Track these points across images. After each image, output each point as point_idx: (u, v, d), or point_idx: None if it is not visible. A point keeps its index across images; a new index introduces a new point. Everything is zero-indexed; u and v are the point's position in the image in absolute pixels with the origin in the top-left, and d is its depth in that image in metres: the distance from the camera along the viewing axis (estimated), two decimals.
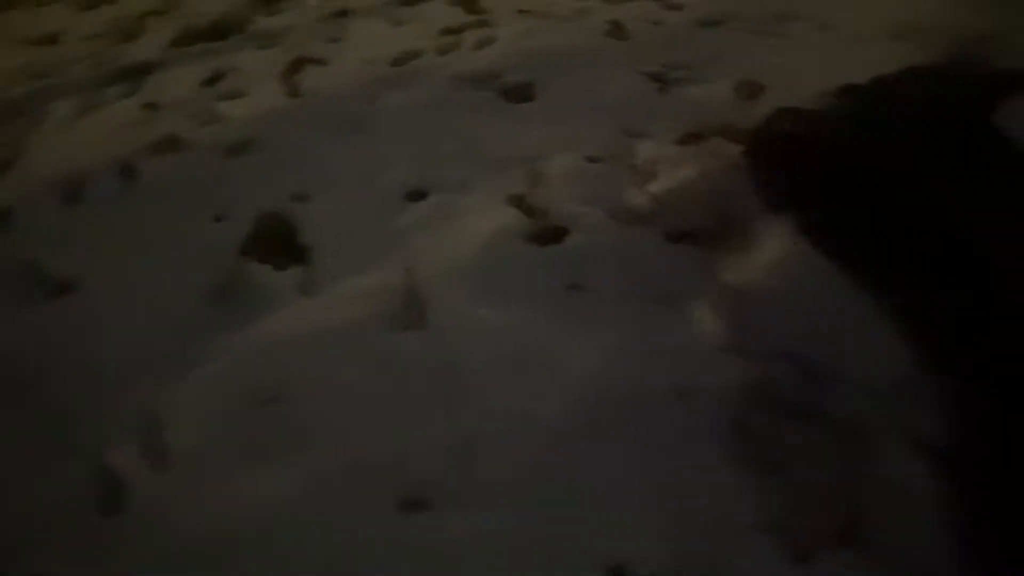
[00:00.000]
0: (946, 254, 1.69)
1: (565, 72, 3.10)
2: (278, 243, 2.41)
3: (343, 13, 3.82)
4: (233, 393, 1.96)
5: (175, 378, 2.00)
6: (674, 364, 1.98)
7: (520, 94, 3.03)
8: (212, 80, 3.34)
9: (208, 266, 2.32)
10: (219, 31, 3.78)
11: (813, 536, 1.63)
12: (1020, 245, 1.56)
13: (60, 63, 3.65)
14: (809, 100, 2.50)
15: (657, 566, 1.62)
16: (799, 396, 1.86)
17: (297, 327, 2.12)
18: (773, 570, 1.61)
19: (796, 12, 3.36)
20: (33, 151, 3.01)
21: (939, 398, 1.72)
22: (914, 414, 1.75)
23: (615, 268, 2.25)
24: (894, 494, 1.67)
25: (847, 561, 1.60)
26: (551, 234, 2.38)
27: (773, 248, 2.14)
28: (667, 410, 1.89)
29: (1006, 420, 1.53)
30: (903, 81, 2.11)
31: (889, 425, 1.77)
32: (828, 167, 2.02)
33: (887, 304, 1.87)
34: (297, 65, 3.36)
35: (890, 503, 1.66)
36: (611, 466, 1.78)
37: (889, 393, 1.81)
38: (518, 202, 2.49)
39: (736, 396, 1.88)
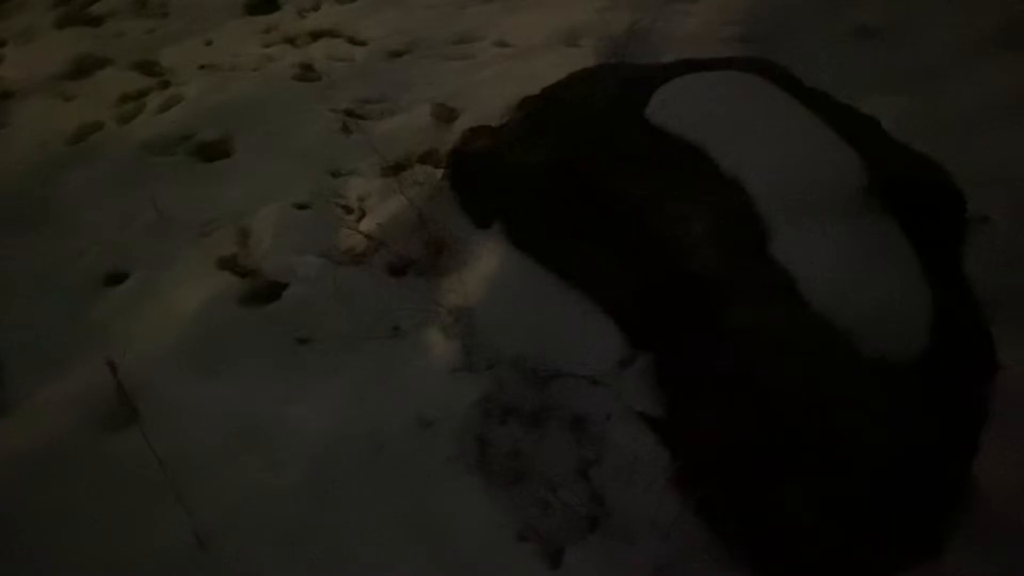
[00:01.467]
0: (626, 241, 1.83)
1: (260, 122, 3.02)
2: None
3: (5, 95, 3.46)
4: None
5: None
6: (413, 396, 1.99)
7: (215, 151, 2.91)
8: None
9: None
10: None
11: (562, 529, 1.70)
12: (686, 222, 1.71)
13: None
14: (498, 116, 2.62)
15: None
16: (531, 400, 1.93)
17: None
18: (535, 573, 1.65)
19: (476, 33, 3.51)
20: None
21: (649, 374, 1.86)
22: (631, 392, 1.88)
23: (340, 313, 2.22)
24: (626, 468, 1.78)
25: (598, 544, 1.68)
26: (269, 291, 2.30)
27: (485, 262, 2.21)
28: (412, 441, 1.89)
29: (704, 381, 1.67)
30: (568, 87, 2.25)
31: (612, 407, 1.88)
32: (515, 177, 2.11)
33: (591, 294, 1.99)
34: None
35: (624, 477, 1.77)
36: (364, 511, 1.76)
37: (608, 378, 1.92)
38: (228, 264, 2.39)
39: (473, 413, 1.91)
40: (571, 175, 1.94)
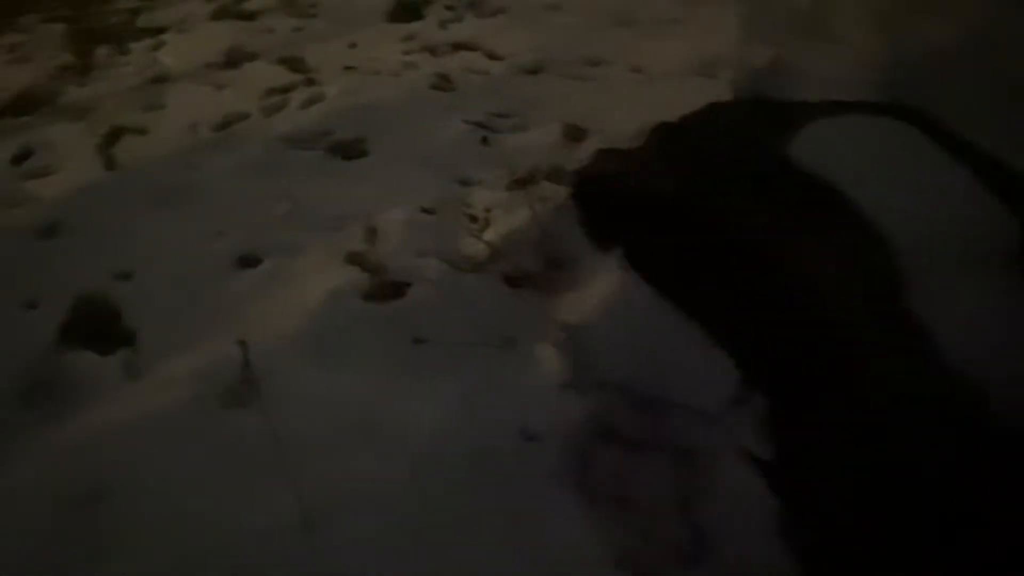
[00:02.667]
0: (754, 277, 1.80)
1: (395, 126, 3.12)
2: (100, 327, 2.27)
3: (161, 79, 3.69)
4: (52, 495, 1.80)
5: None
6: (520, 408, 2.00)
7: (351, 151, 3.02)
8: (19, 158, 3.13)
9: (20, 359, 2.14)
10: (25, 105, 3.56)
11: (660, 562, 1.68)
12: (820, 265, 1.67)
13: None
14: (627, 140, 2.63)
15: None
16: (637, 426, 1.92)
17: (121, 416, 1.99)
18: None
19: (609, 56, 3.53)
20: None
21: (762, 414, 1.82)
22: (742, 431, 1.84)
23: (457, 318, 2.26)
24: (732, 509, 1.75)
25: None
26: (391, 290, 2.36)
27: (603, 284, 2.21)
28: (515, 454, 1.90)
29: (820, 430, 1.63)
30: (707, 117, 2.25)
31: (722, 443, 1.85)
32: (644, 202, 2.11)
33: (709, 328, 1.97)
34: (113, 136, 3.21)
35: (729, 518, 1.74)
36: (462, 519, 1.77)
37: (718, 414, 1.89)
38: (356, 260, 2.47)
39: (578, 433, 1.91)
40: (702, 206, 1.93)
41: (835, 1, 3.66)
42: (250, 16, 4.30)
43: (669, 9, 4.00)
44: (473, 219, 2.61)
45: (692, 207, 1.94)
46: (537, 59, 3.52)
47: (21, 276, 2.46)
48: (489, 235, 2.50)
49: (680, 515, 1.77)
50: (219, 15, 4.36)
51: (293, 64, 3.69)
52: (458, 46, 3.72)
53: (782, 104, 2.38)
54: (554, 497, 1.83)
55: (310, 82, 3.54)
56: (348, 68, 3.62)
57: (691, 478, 1.85)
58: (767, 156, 1.90)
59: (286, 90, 3.48)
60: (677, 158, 2.12)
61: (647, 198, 2.08)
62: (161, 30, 4.24)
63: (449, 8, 4.13)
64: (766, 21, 3.71)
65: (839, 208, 1.76)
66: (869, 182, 1.79)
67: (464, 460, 1.88)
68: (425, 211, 2.66)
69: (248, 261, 2.48)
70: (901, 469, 1.46)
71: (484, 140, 2.96)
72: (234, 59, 3.79)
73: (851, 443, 1.53)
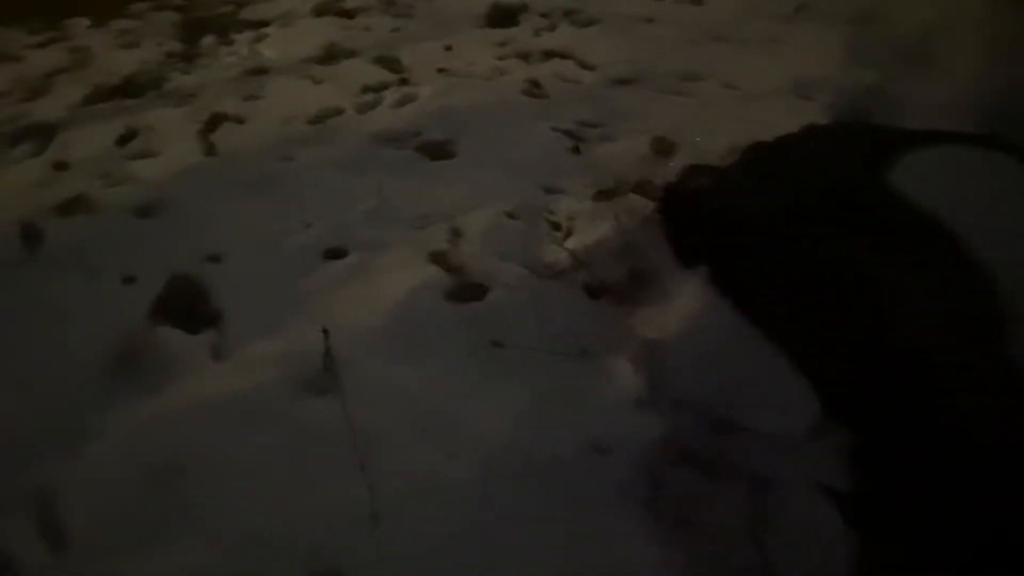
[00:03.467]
0: (846, 307, 1.75)
1: (484, 130, 3.14)
2: (189, 306, 2.35)
3: (262, 71, 3.81)
4: (135, 465, 1.87)
5: (73, 453, 1.90)
6: (591, 419, 1.99)
7: (439, 151, 3.05)
8: (124, 139, 3.27)
9: (114, 331, 2.22)
10: (132, 88, 3.72)
11: None
12: (915, 298, 1.62)
13: None
14: (718, 157, 2.59)
15: None
16: (711, 449, 1.89)
17: (204, 394, 2.05)
18: None
19: (703, 71, 3.49)
20: None
21: (842, 446, 1.77)
22: (821, 463, 1.79)
23: (534, 324, 2.26)
24: (801, 540, 1.70)
25: None
26: (471, 291, 2.38)
27: (686, 302, 2.18)
28: (583, 465, 1.89)
29: (902, 467, 1.57)
30: (804, 139, 2.20)
31: (797, 474, 1.80)
32: (735, 222, 2.08)
33: (792, 355, 1.92)
34: (213, 123, 3.33)
35: (798, 548, 1.69)
36: (526, 524, 1.76)
37: (797, 443, 1.85)
38: (438, 259, 2.49)
39: (651, 450, 1.89)
40: (796, 230, 1.89)
41: (939, 28, 3.56)
42: (350, 14, 4.40)
43: (768, 27, 3.95)
44: (556, 226, 2.61)
45: (786, 231, 1.89)
46: (630, 70, 3.50)
47: (120, 251, 2.56)
48: (571, 243, 2.49)
49: (750, 544, 1.73)
50: (320, 11, 4.48)
51: (388, 63, 3.76)
52: (551, 54, 3.74)
53: (881, 130, 2.31)
54: (621, 513, 1.81)
55: (404, 82, 3.60)
56: (441, 70, 3.67)
57: (763, 506, 1.80)
58: (865, 184, 1.84)
59: (380, 89, 3.54)
60: (772, 180, 2.07)
61: (739, 218, 2.04)
62: (264, 23, 4.38)
63: (544, 16, 4.15)
64: (867, 45, 3.63)
65: (938, 241, 1.70)
66: (970, 215, 1.72)
67: (532, 466, 1.88)
68: (509, 215, 2.67)
69: (334, 253, 2.53)
70: (989, 509, 1.40)
71: (576, 149, 2.97)
72: (332, 55, 3.89)
73: (940, 481, 1.47)
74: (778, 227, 1.93)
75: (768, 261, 1.96)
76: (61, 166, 3.11)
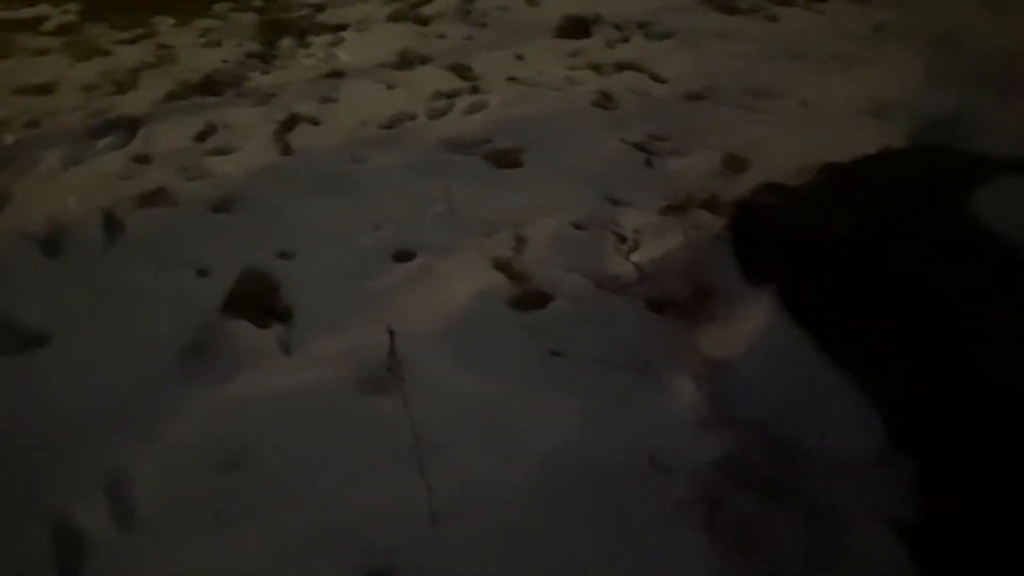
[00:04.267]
0: (920, 335, 1.71)
1: (553, 140, 3.16)
2: (260, 300, 2.41)
3: (338, 74, 3.89)
4: (201, 453, 1.92)
5: (144, 436, 1.96)
6: (650, 435, 1.97)
7: (508, 160, 3.08)
8: (203, 135, 3.38)
9: (188, 321, 2.29)
10: (213, 86, 3.84)
11: None
12: (994, 329, 1.57)
13: (52, 113, 3.68)
14: (791, 176, 2.56)
15: None
16: (773, 472, 1.86)
17: (271, 386, 2.10)
18: None
19: (777, 88, 3.45)
20: (18, 200, 3.01)
21: (909, 477, 1.72)
22: (885, 492, 1.75)
23: (596, 336, 2.26)
24: (865, 571, 1.66)
25: None
26: (534, 299, 2.39)
27: (753, 321, 2.15)
28: (641, 481, 1.87)
29: (973, 500, 1.52)
30: (881, 161, 2.15)
31: (860, 502, 1.76)
32: (807, 243, 2.05)
33: (862, 381, 1.88)
34: (289, 123, 3.41)
35: None
36: (580, 536, 1.76)
37: (861, 470, 1.81)
38: (503, 266, 2.51)
39: (710, 470, 1.87)
40: (872, 253, 1.85)
41: (1019, 54, 3.47)
42: (425, 21, 4.47)
43: (845, 46, 3.89)
44: (622, 239, 2.61)
45: (864, 255, 1.86)
46: (703, 85, 3.48)
47: (196, 244, 2.64)
48: (637, 257, 2.49)
49: (808, 571, 1.70)
50: (396, 17, 4.56)
51: (461, 71, 3.81)
52: (623, 66, 3.74)
53: (962, 156, 2.25)
54: (677, 531, 1.79)
55: (475, 90, 3.64)
56: (512, 79, 3.70)
57: (824, 534, 1.76)
58: (949, 210, 1.79)
59: (452, 95, 3.59)
60: (848, 202, 2.04)
61: (813, 239, 2.01)
62: (341, 27, 4.48)
63: (618, 28, 4.15)
64: (947, 68, 3.55)
65: None
66: None
67: (589, 478, 1.87)
68: (575, 226, 2.67)
69: (402, 255, 2.57)
70: None
71: (648, 162, 2.96)
72: (406, 61, 3.95)
73: (1014, 517, 1.42)
74: (857, 250, 1.89)
75: (843, 284, 1.93)
76: (143, 159, 3.22)
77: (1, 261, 2.63)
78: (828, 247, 1.97)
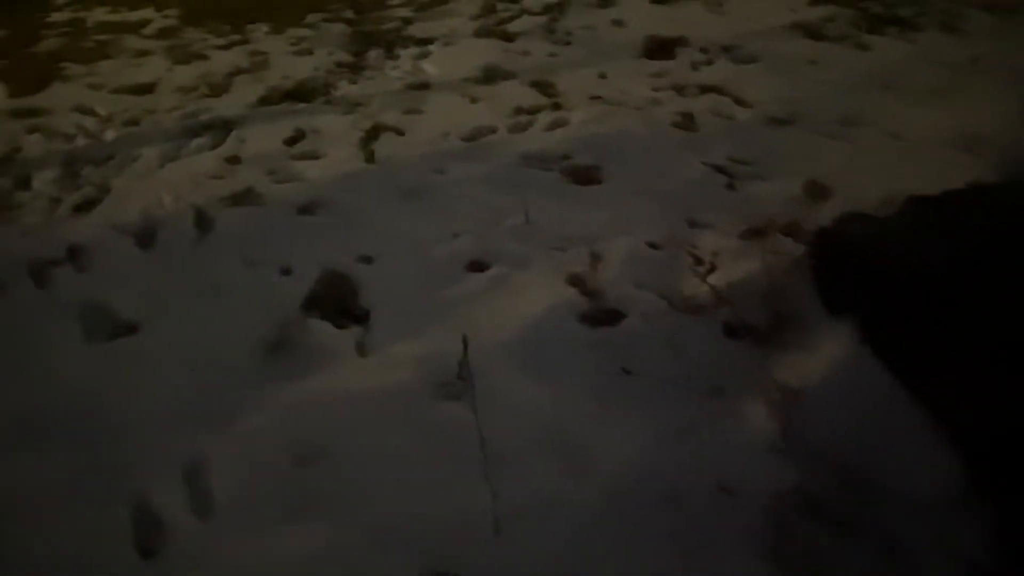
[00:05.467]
0: (1008, 374, 1.65)
1: (633, 158, 3.16)
2: (339, 301, 2.47)
3: (423, 86, 3.97)
4: (279, 447, 1.98)
5: (225, 427, 2.04)
6: (720, 459, 1.95)
7: (586, 176, 3.09)
8: (292, 140, 3.49)
9: (270, 317, 2.37)
10: (303, 94, 3.96)
11: None
12: None
13: (151, 112, 3.86)
14: (876, 206, 2.51)
15: None
16: (845, 505, 1.81)
17: (346, 386, 2.15)
18: None
19: (864, 117, 3.39)
20: (116, 193, 3.16)
21: (989, 520, 1.66)
22: (960, 533, 1.70)
23: (668, 356, 2.25)
24: None
25: None
26: (606, 316, 2.39)
27: (831, 351, 2.11)
28: (709, 506, 1.85)
29: None
30: (971, 196, 2.09)
31: (933, 542, 1.71)
32: (893, 276, 2.00)
33: (942, 419, 1.82)
34: (374, 132, 3.50)
35: None
36: (645, 556, 1.75)
37: (937, 510, 1.75)
38: (576, 282, 2.52)
39: (781, 499, 1.84)
40: (961, 290, 1.80)
41: None
42: (510, 38, 4.53)
43: (936, 77, 3.79)
44: (698, 261, 2.59)
45: (953, 291, 1.81)
46: (788, 111, 3.44)
47: (280, 244, 2.73)
48: (714, 279, 2.47)
49: None
50: (482, 33, 4.64)
51: (543, 87, 3.85)
52: (706, 88, 3.72)
53: None
54: (743, 558, 1.76)
55: (557, 106, 3.66)
56: (594, 97, 3.71)
57: (894, 571, 1.72)
58: None
59: (533, 111, 3.63)
60: (936, 236, 1.98)
61: (899, 272, 1.96)
62: (428, 41, 4.57)
63: (703, 51, 4.14)
64: None
65: None
66: None
67: (657, 499, 1.86)
68: (650, 245, 2.67)
69: (477, 265, 2.61)
70: None
71: (730, 185, 2.94)
72: (490, 76, 4.01)
73: None
74: (946, 286, 1.84)
75: (929, 319, 1.88)
76: (234, 160, 3.35)
77: (99, 250, 2.77)
78: (915, 281, 1.92)
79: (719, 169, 3.07)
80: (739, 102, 3.59)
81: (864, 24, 4.41)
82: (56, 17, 5.57)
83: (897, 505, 1.83)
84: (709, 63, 4.00)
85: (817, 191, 2.87)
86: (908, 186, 2.48)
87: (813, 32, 4.34)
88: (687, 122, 3.44)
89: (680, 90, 3.73)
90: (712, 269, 2.54)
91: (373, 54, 4.45)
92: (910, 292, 1.94)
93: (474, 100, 3.77)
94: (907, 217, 2.16)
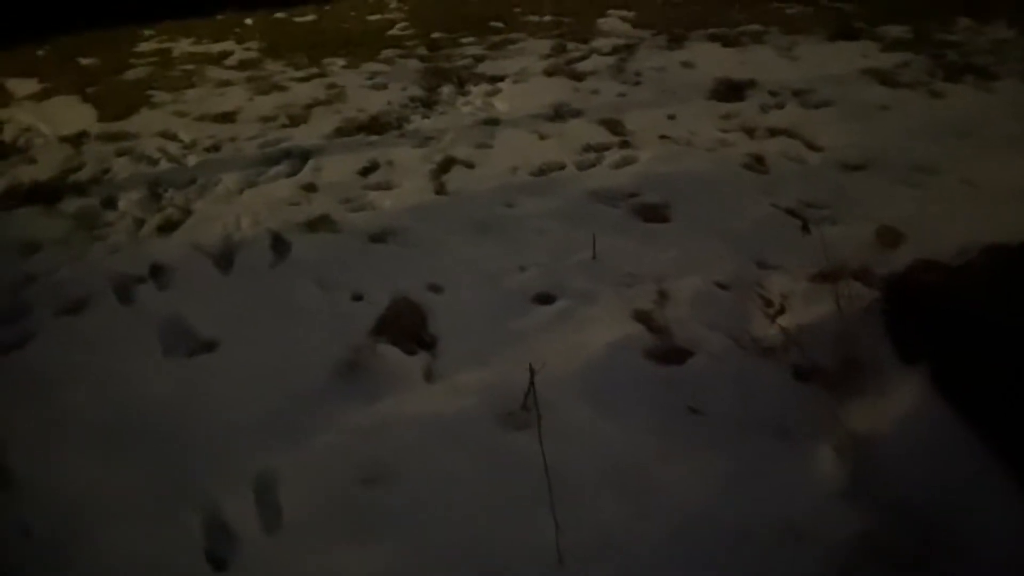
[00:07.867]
0: None
1: (701, 198, 3.18)
2: (409, 328, 2.52)
3: (494, 121, 4.06)
4: (347, 466, 2.02)
5: (296, 444, 2.09)
6: (788, 503, 1.93)
7: (654, 214, 3.11)
8: (367, 170, 3.60)
9: (342, 341, 2.43)
10: (378, 126, 4.09)
11: None
12: None
13: (232, 139, 4.01)
14: (950, 254, 2.47)
15: None
16: (913, 556, 1.77)
17: (414, 411, 2.19)
18: None
19: (938, 165, 3.35)
20: (197, 216, 3.29)
21: None
22: None
23: (736, 397, 2.23)
24: None
25: None
26: (673, 354, 2.39)
27: (903, 399, 2.08)
28: (775, 548, 1.83)
29: None
30: None
31: None
32: (968, 325, 1.97)
33: (1017, 472, 1.78)
34: (446, 165, 3.58)
35: None
36: None
37: (1010, 570, 1.70)
38: (643, 318, 2.53)
39: (848, 545, 1.80)
40: None
41: None
42: (580, 77, 4.61)
43: (1014, 126, 3.73)
44: (768, 303, 2.58)
45: None
46: (860, 156, 3.42)
47: (353, 270, 2.80)
48: (783, 321, 2.45)
49: None
50: (552, 72, 4.73)
51: (612, 126, 3.90)
52: (776, 131, 3.73)
53: None
54: None
55: (625, 145, 3.71)
56: (663, 137, 3.75)
57: None
58: None
59: (601, 149, 3.68)
60: (1013, 286, 1.95)
61: (975, 322, 1.93)
62: (499, 78, 4.68)
63: (773, 94, 4.15)
64: None
65: None
66: None
67: (723, 540, 1.84)
68: (719, 285, 2.67)
69: (544, 298, 2.64)
70: None
71: (805, 228, 2.93)
72: (560, 113, 4.08)
73: None
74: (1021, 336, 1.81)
75: (1006, 371, 1.84)
76: (310, 188, 3.46)
77: (180, 270, 2.88)
78: (991, 331, 1.89)
79: (790, 212, 3.07)
80: (810, 146, 3.58)
81: (939, 72, 4.38)
82: (144, 47, 5.86)
83: (968, 561, 1.78)
84: (779, 107, 4.01)
85: (890, 237, 2.84)
86: (983, 235, 2.45)
87: (886, 78, 4.32)
88: (757, 164, 3.44)
89: (750, 132, 3.74)
90: (782, 311, 2.53)
91: (445, 90, 4.57)
92: (986, 342, 1.90)
93: (543, 137, 3.83)
94: (982, 266, 2.13)
